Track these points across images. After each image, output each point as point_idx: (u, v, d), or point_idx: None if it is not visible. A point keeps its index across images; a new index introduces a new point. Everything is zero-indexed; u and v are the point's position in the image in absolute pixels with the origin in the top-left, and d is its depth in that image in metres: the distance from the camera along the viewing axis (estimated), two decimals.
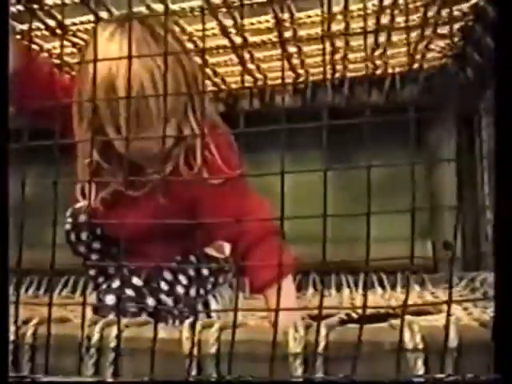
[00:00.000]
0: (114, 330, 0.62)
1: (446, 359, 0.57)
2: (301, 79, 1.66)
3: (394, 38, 1.36)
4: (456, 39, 1.41)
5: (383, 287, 1.57)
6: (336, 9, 1.18)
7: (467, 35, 1.35)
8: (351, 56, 1.48)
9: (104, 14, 1.15)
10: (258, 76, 1.63)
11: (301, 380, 0.57)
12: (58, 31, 1.20)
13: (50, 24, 1.20)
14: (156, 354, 0.59)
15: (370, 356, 0.58)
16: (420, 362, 0.57)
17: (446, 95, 1.59)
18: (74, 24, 1.21)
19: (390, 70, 1.62)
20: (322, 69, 1.58)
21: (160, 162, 0.89)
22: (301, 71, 1.61)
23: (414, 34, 1.35)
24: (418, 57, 1.51)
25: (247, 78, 1.62)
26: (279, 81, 1.66)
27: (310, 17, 1.23)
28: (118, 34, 0.82)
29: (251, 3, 1.14)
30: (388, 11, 1.20)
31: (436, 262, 1.72)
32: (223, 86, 1.69)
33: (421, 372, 0.57)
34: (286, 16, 1.20)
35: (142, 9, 1.13)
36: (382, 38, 1.35)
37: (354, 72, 1.63)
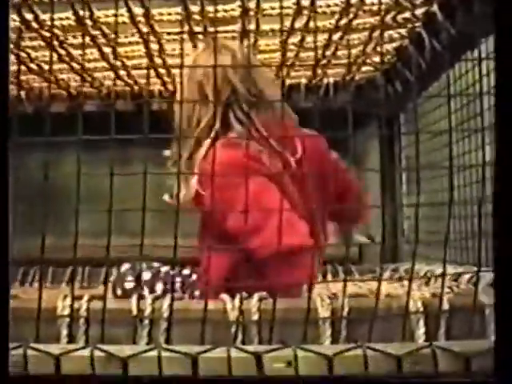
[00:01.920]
0: (165, 303, 0.70)
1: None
2: None
3: (339, 53, 1.52)
4: (389, 57, 1.60)
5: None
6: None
7: (401, 54, 1.55)
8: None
9: None
10: None
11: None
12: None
13: None
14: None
15: (383, 319, 0.71)
16: (421, 322, 0.72)
17: (373, 103, 1.78)
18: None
19: (325, 80, 1.80)
20: None
21: None
22: None
23: (355, 50, 1.52)
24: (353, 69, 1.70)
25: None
26: None
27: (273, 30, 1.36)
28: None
29: None
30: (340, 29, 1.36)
31: (361, 254, 1.91)
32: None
33: (422, 330, 0.72)
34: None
35: None
36: (329, 52, 1.51)
37: (295, 79, 1.79)
